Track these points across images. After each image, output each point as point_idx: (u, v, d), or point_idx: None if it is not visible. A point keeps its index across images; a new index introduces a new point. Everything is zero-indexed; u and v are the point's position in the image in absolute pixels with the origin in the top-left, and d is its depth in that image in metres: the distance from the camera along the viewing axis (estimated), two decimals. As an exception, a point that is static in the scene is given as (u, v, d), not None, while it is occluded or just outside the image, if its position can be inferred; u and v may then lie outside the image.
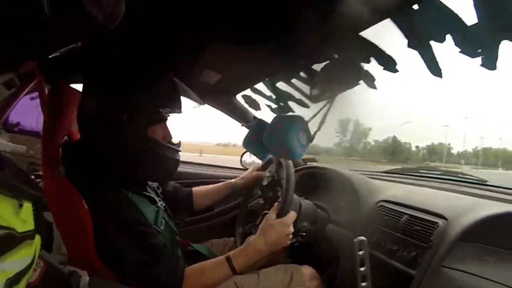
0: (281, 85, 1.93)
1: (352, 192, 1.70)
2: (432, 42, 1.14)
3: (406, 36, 1.15)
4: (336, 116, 1.26)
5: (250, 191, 1.90)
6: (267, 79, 1.92)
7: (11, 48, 0.51)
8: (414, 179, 1.94)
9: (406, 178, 1.98)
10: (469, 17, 1.00)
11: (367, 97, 1.41)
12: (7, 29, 0.47)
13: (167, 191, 1.68)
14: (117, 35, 1.12)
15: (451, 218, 1.21)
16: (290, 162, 1.52)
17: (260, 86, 2.04)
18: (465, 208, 1.25)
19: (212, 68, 1.73)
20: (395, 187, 1.75)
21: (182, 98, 1.35)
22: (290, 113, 1.39)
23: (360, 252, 1.12)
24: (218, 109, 2.33)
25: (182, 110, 1.33)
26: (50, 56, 0.72)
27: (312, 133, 1.26)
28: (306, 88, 1.81)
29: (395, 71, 1.32)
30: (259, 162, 2.00)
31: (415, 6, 1.04)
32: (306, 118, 1.27)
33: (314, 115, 1.27)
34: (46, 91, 1.30)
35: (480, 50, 1.06)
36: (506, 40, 0.99)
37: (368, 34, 1.23)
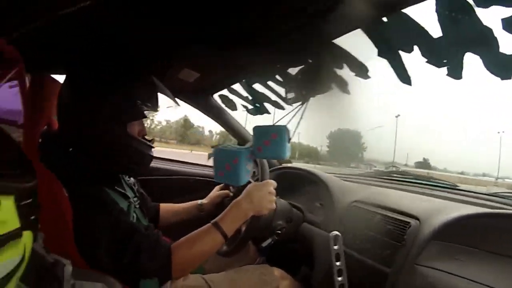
0: (257, 86, 1.95)
1: (326, 192, 1.74)
2: (400, 52, 1.18)
3: (376, 45, 1.19)
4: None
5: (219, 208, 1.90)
6: (244, 80, 1.94)
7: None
8: (387, 182, 1.97)
9: (379, 181, 2.01)
10: (435, 30, 1.05)
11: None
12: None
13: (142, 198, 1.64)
14: (100, 30, 1.13)
15: (423, 218, 1.24)
16: (265, 163, 1.54)
17: (237, 86, 2.06)
18: (436, 209, 1.28)
19: (191, 67, 1.73)
20: (368, 188, 1.78)
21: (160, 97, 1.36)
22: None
23: (335, 247, 1.15)
24: (195, 108, 2.33)
25: (158, 108, 1.35)
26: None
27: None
28: (281, 91, 1.83)
29: (367, 77, 1.35)
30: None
31: (384, 19, 1.09)
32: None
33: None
34: (27, 80, 1.29)
35: (445, 61, 1.11)
36: (470, 52, 1.04)
37: (341, 42, 1.26)
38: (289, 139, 1.31)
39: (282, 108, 1.96)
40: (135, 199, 1.44)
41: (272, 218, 1.62)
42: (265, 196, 1.34)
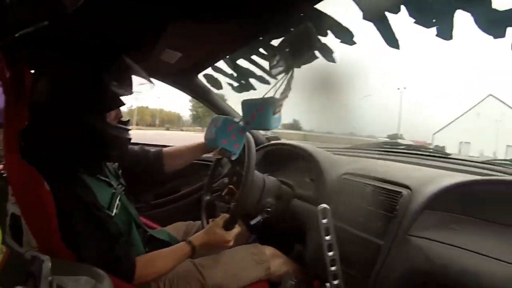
0: (241, 62, 1.91)
1: (316, 166, 1.70)
2: (387, 14, 1.13)
3: (360, 8, 1.14)
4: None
5: (214, 170, 1.87)
6: (228, 57, 1.89)
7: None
8: (378, 153, 1.95)
9: (370, 153, 1.99)
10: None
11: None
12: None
13: (131, 159, 1.60)
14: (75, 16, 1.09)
15: (415, 187, 1.22)
16: (251, 137, 1.50)
17: (221, 64, 2.02)
18: (428, 178, 1.26)
19: (172, 47, 1.68)
20: (359, 161, 1.76)
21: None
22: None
23: (324, 221, 1.12)
24: (181, 90, 2.30)
25: (132, 91, 1.31)
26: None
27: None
28: (266, 64, 1.79)
29: (353, 43, 1.31)
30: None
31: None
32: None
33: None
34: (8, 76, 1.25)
35: (435, 20, 1.06)
36: (460, 10, 0.99)
37: (324, 7, 1.22)
38: (276, 111, 1.32)
39: (267, 82, 1.93)
40: (120, 186, 1.42)
41: (260, 196, 1.58)
42: (220, 246, 1.45)
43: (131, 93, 1.29)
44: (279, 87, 1.32)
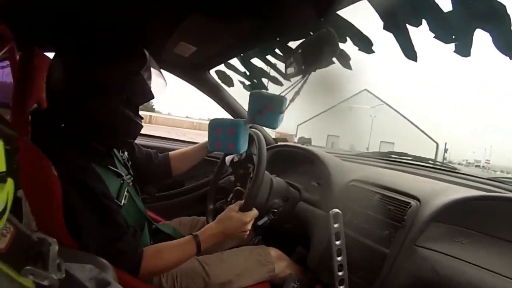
0: (256, 61, 1.91)
1: (324, 171, 1.71)
2: (408, 26, 1.13)
3: (382, 18, 1.14)
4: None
5: (221, 167, 1.87)
6: (242, 54, 1.89)
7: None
8: (385, 163, 1.95)
9: (377, 161, 1.99)
10: (445, 3, 1.00)
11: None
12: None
13: (140, 160, 1.64)
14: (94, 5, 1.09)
15: (424, 199, 1.23)
16: (262, 139, 1.50)
17: (234, 61, 2.02)
18: (437, 191, 1.27)
19: (187, 41, 1.68)
20: (367, 168, 1.77)
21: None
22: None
23: (335, 225, 1.13)
24: (191, 83, 2.29)
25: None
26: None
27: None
28: (281, 65, 1.79)
29: (371, 51, 1.31)
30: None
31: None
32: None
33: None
34: (18, 58, 1.25)
35: (454, 37, 1.06)
36: (480, 29, 0.99)
37: (345, 13, 1.22)
38: (283, 110, 1.35)
39: (280, 84, 1.92)
40: (128, 176, 1.41)
41: (268, 196, 1.59)
42: (237, 233, 1.36)
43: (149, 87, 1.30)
44: (291, 90, 1.33)
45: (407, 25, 1.13)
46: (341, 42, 1.33)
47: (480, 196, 1.18)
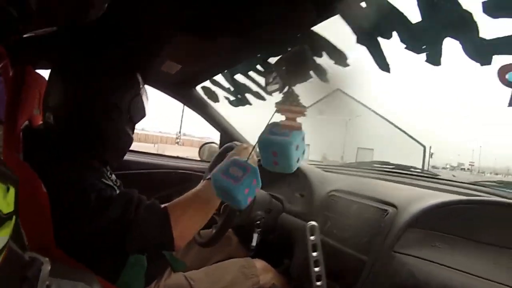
0: (239, 77, 1.96)
1: (306, 182, 1.73)
2: (379, 39, 1.18)
3: (355, 32, 1.19)
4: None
5: (221, 156, 1.87)
6: (226, 71, 1.94)
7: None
8: (368, 172, 1.97)
9: (361, 171, 2.02)
10: (414, 15, 1.05)
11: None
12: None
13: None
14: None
15: (401, 206, 1.25)
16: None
17: (219, 78, 2.07)
18: (414, 197, 1.29)
19: (173, 59, 1.73)
20: (347, 179, 1.79)
21: None
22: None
23: (312, 237, 1.14)
24: (178, 100, 2.34)
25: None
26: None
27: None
28: (262, 81, 1.84)
29: (346, 65, 1.36)
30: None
31: (363, 4, 1.09)
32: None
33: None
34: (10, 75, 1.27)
35: (424, 47, 1.11)
36: (449, 37, 1.04)
37: (320, 29, 1.27)
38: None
39: (263, 98, 1.97)
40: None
41: (251, 208, 1.62)
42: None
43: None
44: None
45: (378, 38, 1.18)
46: (317, 56, 1.38)
47: (456, 201, 1.20)
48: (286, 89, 1.15)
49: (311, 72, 1.35)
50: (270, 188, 1.91)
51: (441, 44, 1.07)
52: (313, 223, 1.15)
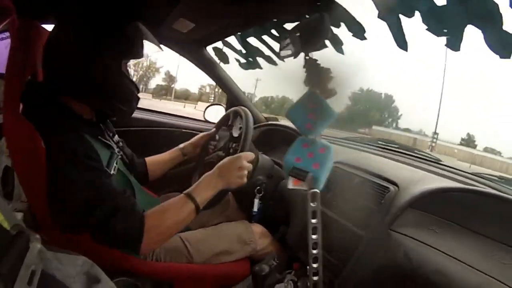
0: (251, 40, 1.94)
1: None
2: (401, 16, 1.16)
3: (377, 7, 1.16)
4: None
5: (206, 145, 1.90)
6: (239, 33, 1.92)
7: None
8: (372, 148, 1.97)
9: (364, 146, 2.02)
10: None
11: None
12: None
13: (126, 155, 1.59)
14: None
15: (403, 185, 1.25)
16: (250, 115, 1.55)
17: (231, 39, 2.04)
18: (417, 179, 1.29)
19: (186, 17, 1.70)
20: (352, 152, 1.80)
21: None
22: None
23: (312, 204, 1.15)
24: (187, 59, 2.32)
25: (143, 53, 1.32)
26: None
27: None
28: (276, 46, 1.82)
29: (364, 38, 1.34)
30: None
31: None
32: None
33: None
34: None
35: (446, 31, 1.09)
36: (472, 25, 1.02)
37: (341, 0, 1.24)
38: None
39: (274, 63, 1.95)
40: (118, 150, 1.41)
41: (253, 173, 1.63)
42: (234, 171, 1.30)
43: (141, 56, 1.30)
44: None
45: (400, 15, 1.16)
46: (334, 26, 1.35)
47: (457, 188, 1.20)
48: (306, 60, 1.12)
49: (327, 42, 1.34)
50: (274, 155, 1.92)
51: (463, 30, 1.06)
52: (316, 190, 1.15)
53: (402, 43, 1.22)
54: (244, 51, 2.10)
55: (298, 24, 1.29)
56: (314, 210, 1.13)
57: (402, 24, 1.18)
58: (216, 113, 2.45)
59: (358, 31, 1.33)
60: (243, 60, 2.18)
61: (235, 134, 1.75)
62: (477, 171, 1.53)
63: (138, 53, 1.29)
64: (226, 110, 2.35)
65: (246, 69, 2.18)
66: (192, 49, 2.24)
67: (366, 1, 1.15)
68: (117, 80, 1.24)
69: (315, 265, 1.16)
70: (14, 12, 1.17)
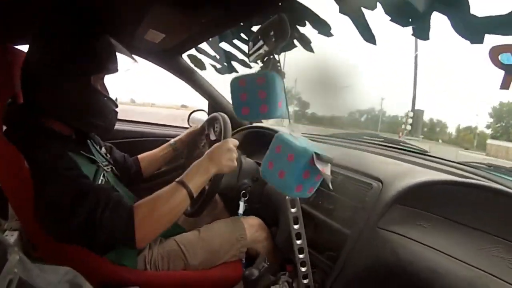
0: (224, 45, 1.94)
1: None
2: (363, 9, 1.14)
3: (336, 1, 1.14)
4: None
5: (192, 149, 1.91)
6: (211, 39, 1.90)
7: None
8: (357, 144, 1.95)
9: (349, 142, 1.99)
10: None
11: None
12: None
13: (116, 159, 1.65)
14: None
15: (387, 181, 1.23)
16: (226, 117, 1.56)
17: (205, 46, 2.04)
18: (401, 173, 1.27)
19: (155, 28, 1.69)
20: (335, 149, 1.77)
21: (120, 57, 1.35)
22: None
23: (293, 210, 1.13)
24: (164, 68, 2.31)
25: (118, 69, 1.34)
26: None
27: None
28: (246, 49, 1.81)
29: (330, 35, 1.32)
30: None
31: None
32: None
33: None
34: None
35: (410, 20, 1.07)
36: (437, 12, 1.00)
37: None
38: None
39: (249, 66, 1.94)
40: (105, 163, 1.42)
41: (238, 177, 1.61)
42: (224, 154, 1.31)
43: (116, 70, 1.32)
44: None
45: (362, 8, 1.13)
46: (300, 26, 1.34)
47: (444, 181, 1.17)
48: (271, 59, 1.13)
49: (295, 42, 1.33)
50: (258, 157, 1.91)
51: (429, 18, 1.03)
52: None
53: (368, 36, 1.20)
54: (218, 57, 2.10)
55: (259, 27, 1.28)
56: (295, 216, 1.12)
57: (367, 17, 1.16)
58: (200, 119, 2.44)
59: (323, 28, 1.31)
60: (218, 65, 2.18)
61: (213, 138, 1.75)
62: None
63: (109, 67, 1.29)
64: (208, 115, 2.33)
65: (223, 73, 2.18)
66: (167, 58, 2.24)
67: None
68: (90, 97, 1.24)
69: (303, 269, 1.16)
70: None
